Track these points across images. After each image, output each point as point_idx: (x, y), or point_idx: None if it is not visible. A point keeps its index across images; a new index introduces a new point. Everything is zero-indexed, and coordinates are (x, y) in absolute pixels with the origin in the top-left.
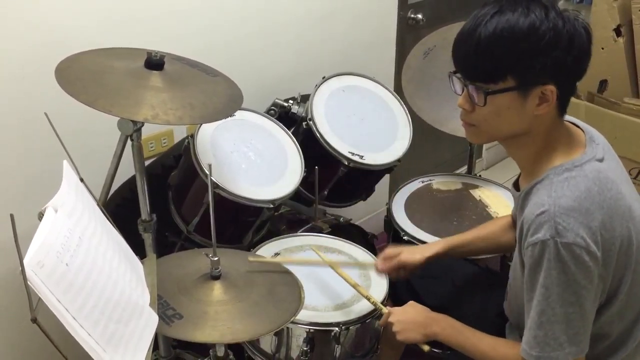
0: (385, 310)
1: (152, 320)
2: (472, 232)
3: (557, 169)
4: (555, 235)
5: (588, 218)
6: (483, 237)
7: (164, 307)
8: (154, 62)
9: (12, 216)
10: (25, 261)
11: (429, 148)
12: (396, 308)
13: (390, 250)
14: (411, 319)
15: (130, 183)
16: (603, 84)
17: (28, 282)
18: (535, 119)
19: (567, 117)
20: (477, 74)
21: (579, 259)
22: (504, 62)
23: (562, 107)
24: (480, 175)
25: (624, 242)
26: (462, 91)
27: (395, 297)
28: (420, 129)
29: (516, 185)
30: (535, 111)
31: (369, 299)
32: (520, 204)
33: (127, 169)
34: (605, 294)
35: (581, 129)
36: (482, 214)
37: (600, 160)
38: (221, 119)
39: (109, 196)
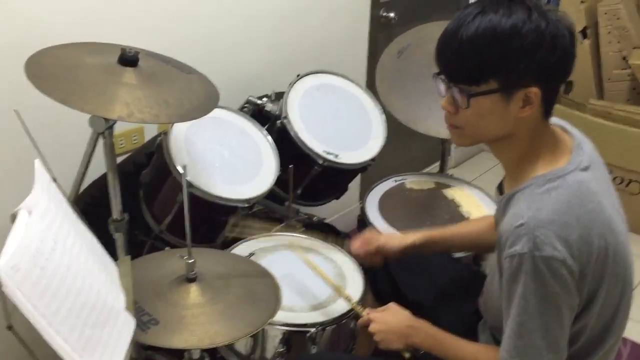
0: (364, 314)
1: (128, 324)
2: (453, 228)
3: (539, 178)
4: (534, 249)
5: (567, 232)
6: (463, 235)
7: (138, 312)
8: (128, 59)
9: None
10: None
11: (399, 145)
12: (377, 315)
13: (369, 234)
14: (392, 330)
15: (100, 181)
16: (569, 86)
17: (2, 288)
18: (519, 122)
19: (558, 122)
20: (460, 75)
21: (557, 272)
22: (487, 65)
23: (547, 109)
24: (452, 175)
25: (600, 254)
26: (446, 92)
27: (376, 288)
28: (391, 126)
29: (500, 188)
30: (519, 113)
31: (349, 301)
32: (502, 209)
33: (97, 167)
34: (581, 306)
35: (569, 133)
36: (454, 214)
37: (585, 169)
38: (198, 118)
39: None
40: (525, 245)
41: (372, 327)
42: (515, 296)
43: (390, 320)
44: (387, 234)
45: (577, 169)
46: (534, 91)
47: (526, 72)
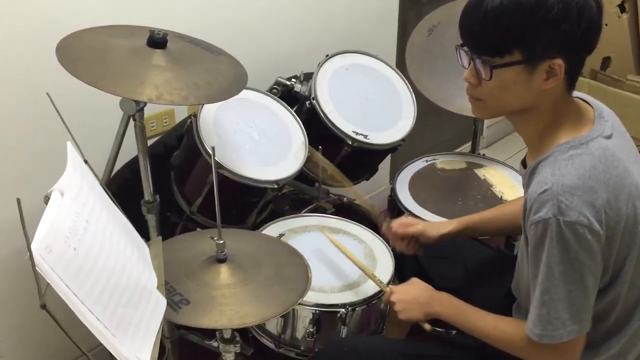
0: (387, 289)
1: (160, 304)
2: (488, 212)
3: (562, 146)
4: (558, 214)
5: (592, 196)
6: (499, 218)
7: (170, 292)
8: (157, 40)
9: (18, 200)
10: (33, 246)
11: (429, 126)
12: (398, 286)
13: (409, 219)
14: (413, 298)
15: (132, 163)
16: (606, 61)
17: (36, 268)
18: (542, 94)
19: (577, 94)
20: (483, 47)
21: (582, 237)
22: (511, 36)
23: (571, 82)
24: (484, 154)
25: (630, 220)
26: (469, 64)
27: (403, 276)
28: (422, 106)
29: (524, 163)
30: (542, 86)
31: (373, 278)
32: (526, 182)
33: (129, 149)
34: (609, 274)
35: (591, 105)
36: (486, 194)
37: (608, 137)
38: (227, 99)
39: (110, 177)
40: (550, 211)
41: (393, 297)
42: (540, 264)
43: (412, 290)
44: (425, 222)
45: (600, 136)
46: (558, 63)
47: (551, 43)
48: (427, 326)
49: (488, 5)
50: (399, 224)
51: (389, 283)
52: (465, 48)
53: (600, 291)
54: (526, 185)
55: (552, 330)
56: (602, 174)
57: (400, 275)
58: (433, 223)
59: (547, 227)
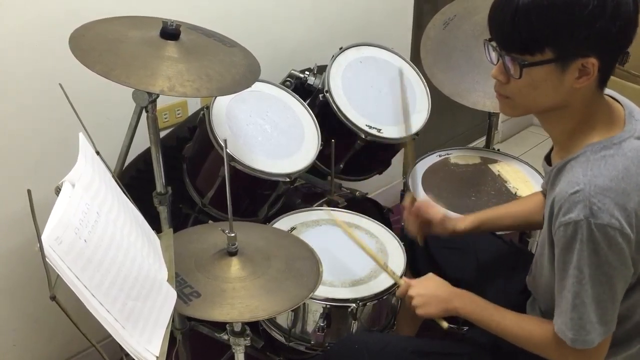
0: (401, 281)
1: (170, 296)
2: (504, 207)
3: (594, 146)
4: (590, 216)
5: (625, 199)
6: (514, 214)
7: (181, 284)
8: (170, 32)
9: (29, 192)
10: (43, 237)
11: (443, 121)
12: (416, 280)
13: (431, 205)
14: (432, 293)
15: (145, 155)
16: (624, 56)
17: (46, 259)
18: (573, 93)
19: (607, 91)
20: (513, 44)
21: (612, 240)
22: (542, 33)
23: (603, 80)
24: (498, 150)
25: None
26: (498, 61)
27: (414, 268)
28: (436, 100)
29: (548, 159)
30: (574, 84)
31: (385, 269)
32: (552, 180)
33: (141, 141)
34: (636, 276)
35: (620, 103)
36: (500, 190)
37: (639, 138)
38: (239, 91)
39: (123, 169)
40: (581, 212)
41: (411, 291)
42: (570, 266)
43: (430, 285)
44: (445, 213)
45: (632, 136)
46: (592, 62)
47: (585, 42)
48: (445, 324)
49: (520, 1)
50: (422, 202)
51: (401, 276)
52: (494, 43)
53: (625, 292)
54: (552, 183)
55: (585, 335)
56: (635, 176)
57: (411, 267)
58: (450, 217)
59: (577, 229)
